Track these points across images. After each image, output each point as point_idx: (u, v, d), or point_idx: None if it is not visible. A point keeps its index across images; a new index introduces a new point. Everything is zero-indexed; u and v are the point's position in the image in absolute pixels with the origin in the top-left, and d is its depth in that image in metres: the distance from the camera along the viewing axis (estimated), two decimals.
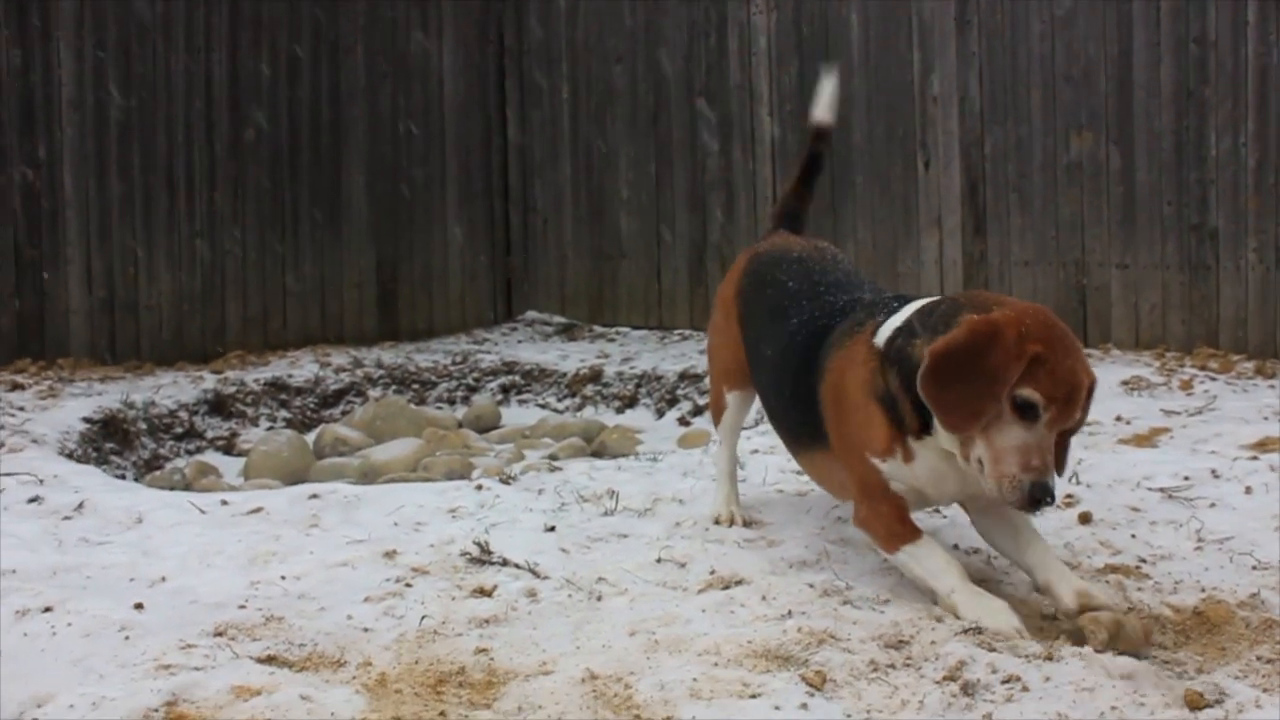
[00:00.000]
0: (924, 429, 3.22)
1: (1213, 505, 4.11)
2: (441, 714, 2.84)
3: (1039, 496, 3.00)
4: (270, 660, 3.16)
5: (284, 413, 7.68)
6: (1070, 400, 3.03)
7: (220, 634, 3.31)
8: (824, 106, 4.31)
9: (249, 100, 8.50)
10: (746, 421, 5.51)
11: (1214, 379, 6.44)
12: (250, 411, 7.60)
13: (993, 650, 2.99)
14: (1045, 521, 4.02)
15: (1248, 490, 4.24)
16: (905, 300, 3.43)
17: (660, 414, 7.74)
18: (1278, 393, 6.02)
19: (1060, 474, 3.19)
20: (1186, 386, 6.27)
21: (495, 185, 9.77)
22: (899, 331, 3.29)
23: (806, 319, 3.67)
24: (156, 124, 8.11)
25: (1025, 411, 3.01)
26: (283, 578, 3.75)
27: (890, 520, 3.37)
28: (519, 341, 9.14)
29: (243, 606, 3.51)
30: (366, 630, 3.34)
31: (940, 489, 3.35)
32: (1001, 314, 3.07)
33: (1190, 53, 7.05)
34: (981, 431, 3.05)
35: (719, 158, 8.84)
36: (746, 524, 4.12)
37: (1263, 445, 4.84)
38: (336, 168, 8.96)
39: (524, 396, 8.22)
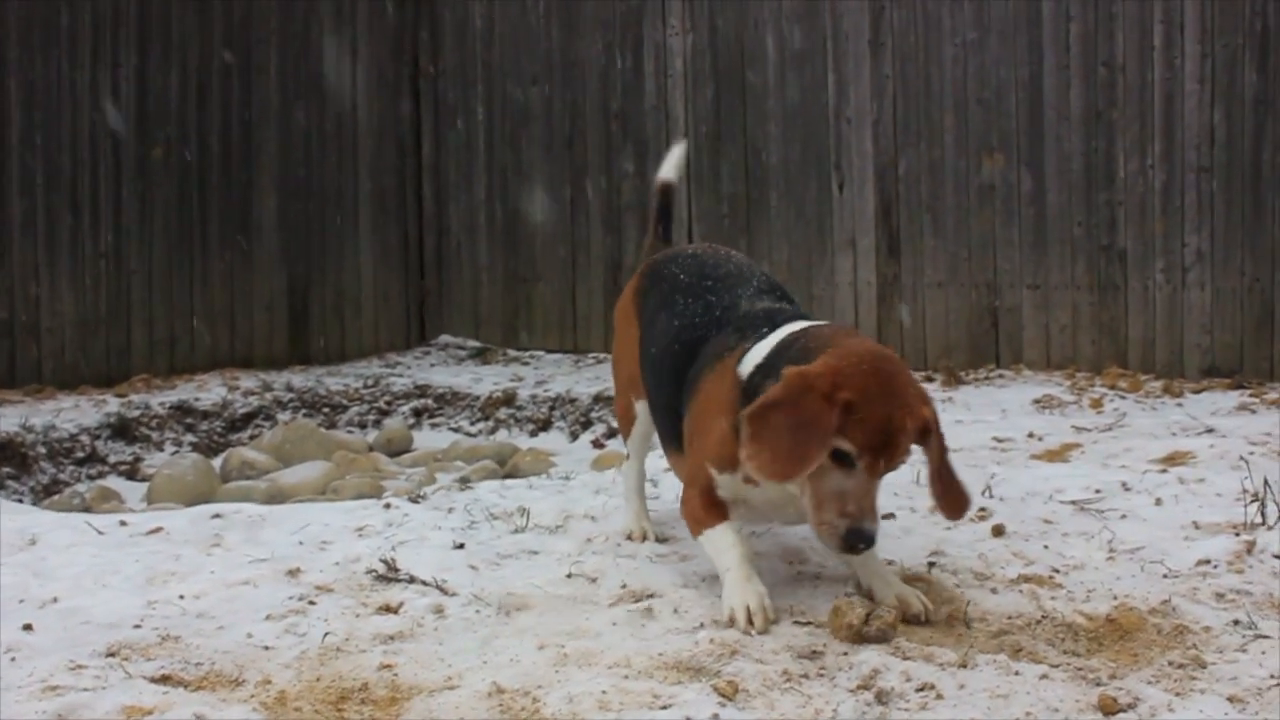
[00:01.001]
0: None
1: (1124, 516, 4.12)
2: None
3: (853, 542, 3.06)
4: (165, 680, 3.04)
5: (190, 437, 7.50)
6: (889, 445, 3.05)
7: (113, 654, 3.18)
8: (670, 168, 4.52)
9: (156, 118, 8.34)
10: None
11: (1123, 397, 6.50)
12: (155, 436, 7.42)
13: (907, 659, 2.96)
14: (959, 534, 4.02)
15: (1158, 502, 4.26)
16: (774, 323, 3.47)
17: (574, 437, 7.67)
18: (1185, 410, 6.08)
19: (951, 515, 3.28)
20: (1097, 405, 6.32)
21: (409, 207, 9.67)
22: (759, 369, 3.34)
23: (686, 322, 3.73)
24: (60, 140, 7.92)
25: (841, 459, 3.06)
26: (181, 597, 3.63)
27: (699, 506, 3.50)
28: (432, 365, 9.04)
29: (138, 626, 3.39)
30: (267, 648, 3.24)
31: (779, 515, 3.53)
32: (819, 364, 3.10)
33: (1099, 76, 7.15)
34: (808, 478, 3.10)
35: (634, 179, 8.81)
36: (659, 540, 4.07)
37: (1171, 459, 4.88)
38: (247, 188, 8.81)
39: (436, 420, 8.11)
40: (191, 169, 8.52)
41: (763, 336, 3.42)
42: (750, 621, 3.18)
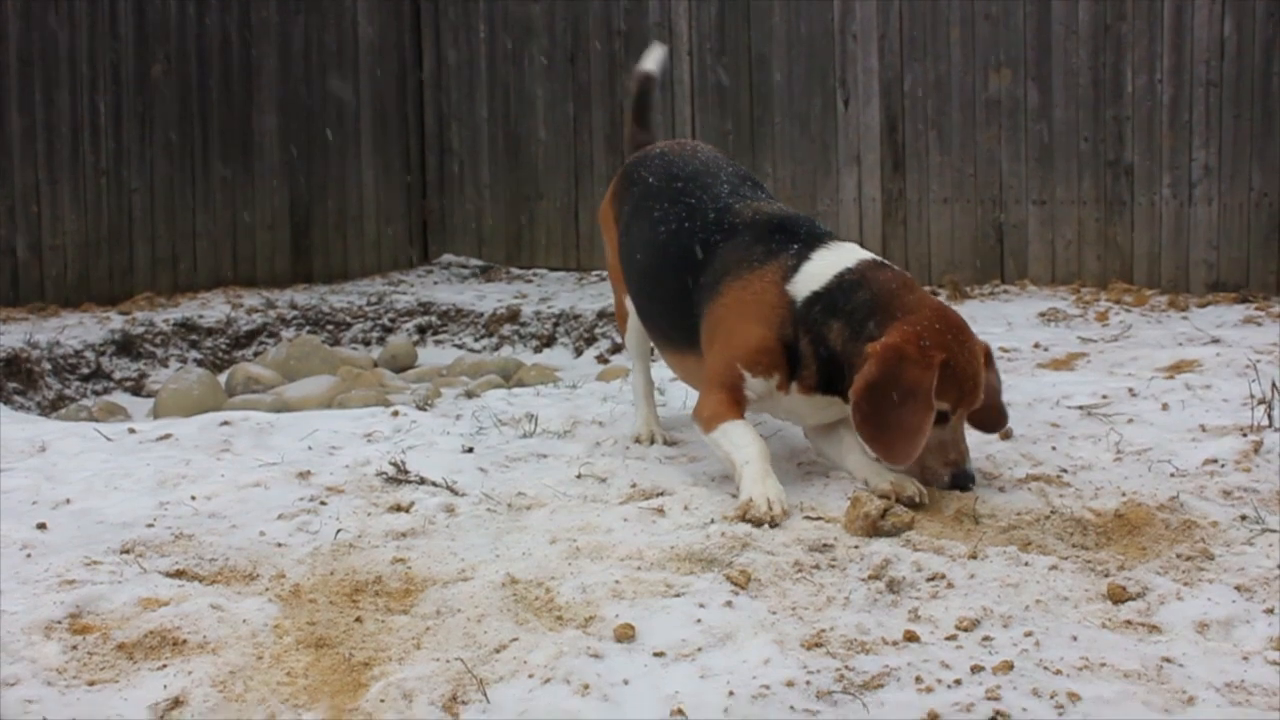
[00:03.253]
0: (815, 389, 3.50)
1: (1130, 421, 4.13)
2: (357, 619, 2.77)
3: (962, 483, 3.40)
4: (179, 574, 3.07)
5: (194, 354, 7.51)
6: (973, 393, 3.39)
7: (127, 551, 3.21)
8: (651, 60, 4.54)
9: (156, 36, 8.25)
10: None
11: (1129, 311, 6.50)
12: (159, 352, 7.43)
13: (918, 550, 2.98)
14: (968, 438, 4.03)
15: (1164, 407, 4.27)
16: (796, 234, 3.61)
17: (579, 352, 7.67)
18: (1191, 323, 6.08)
19: (1005, 435, 3.85)
20: (1102, 318, 6.32)
21: (411, 126, 9.60)
22: (818, 298, 3.48)
23: (674, 227, 3.82)
24: (59, 59, 7.85)
25: (936, 419, 3.32)
26: (193, 498, 3.66)
27: (720, 402, 3.55)
28: (435, 283, 9.02)
29: (151, 525, 3.42)
30: (280, 545, 3.26)
31: (798, 418, 3.71)
32: (901, 334, 3.30)
33: None
34: None
35: None
36: (668, 443, 4.08)
37: (1178, 367, 4.88)
38: (247, 106, 8.74)
39: (440, 337, 8.11)
40: (192, 86, 8.45)
41: (804, 257, 3.54)
42: (770, 509, 3.21)
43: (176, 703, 2.41)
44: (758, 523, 3.16)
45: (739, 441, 3.46)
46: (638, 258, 3.98)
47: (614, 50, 8.79)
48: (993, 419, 3.63)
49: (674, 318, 3.80)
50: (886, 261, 3.60)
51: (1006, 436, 4.01)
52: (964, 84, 7.53)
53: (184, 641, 2.64)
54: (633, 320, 4.20)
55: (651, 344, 4.21)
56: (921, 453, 3.30)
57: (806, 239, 3.60)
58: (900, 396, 3.23)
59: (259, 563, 3.14)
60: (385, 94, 9.44)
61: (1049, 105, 7.31)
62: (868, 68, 7.81)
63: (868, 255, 3.60)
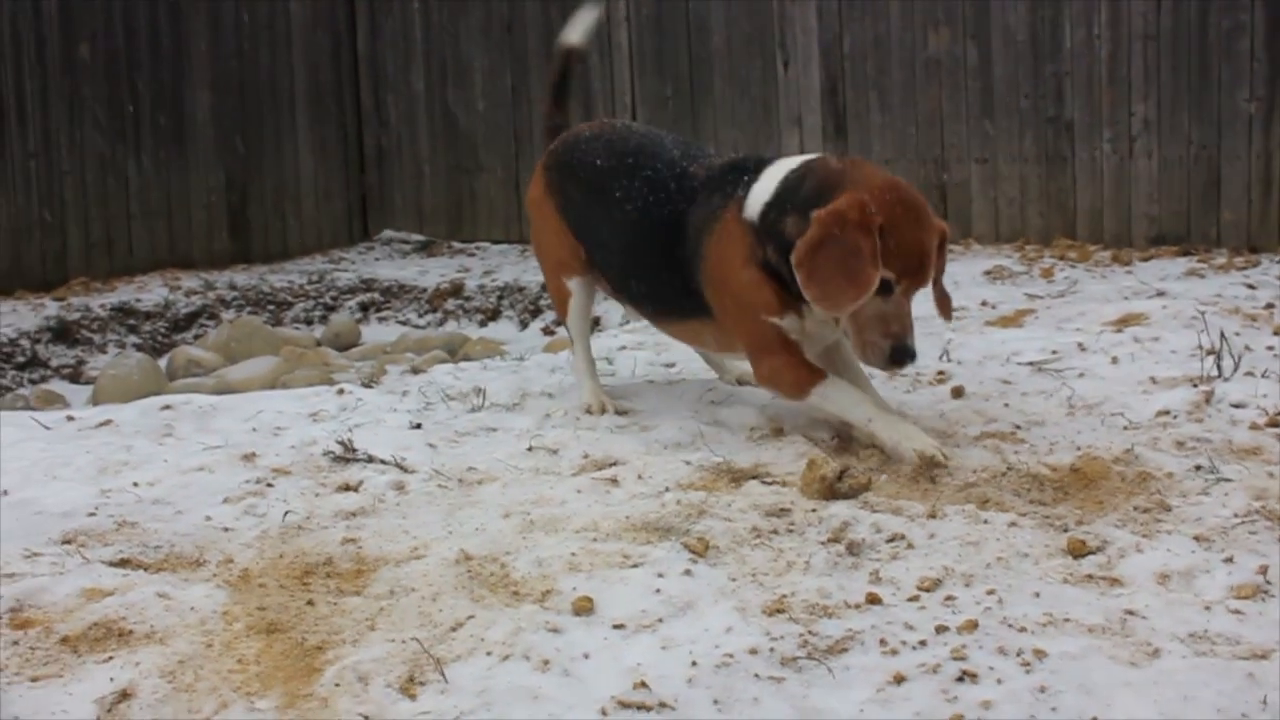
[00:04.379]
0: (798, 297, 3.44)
1: (1081, 375, 4.13)
2: (309, 602, 2.70)
3: (899, 358, 3.32)
4: (124, 563, 2.99)
5: (133, 338, 7.36)
6: (921, 266, 3.31)
7: (69, 541, 3.12)
8: (576, 30, 4.40)
9: (81, 14, 8.05)
10: (613, 321, 5.42)
11: (1073, 267, 6.51)
12: (97, 338, 7.28)
13: (876, 512, 2.95)
14: (920, 397, 4.02)
15: (1114, 360, 4.27)
16: (747, 169, 3.61)
17: (524, 325, 7.61)
18: (1135, 277, 6.10)
19: (948, 317, 3.64)
20: (1048, 274, 6.33)
21: (347, 101, 9.45)
22: (769, 207, 3.48)
23: (642, 203, 3.79)
24: None
25: (880, 288, 3.26)
26: (135, 485, 3.56)
27: (795, 368, 3.53)
28: (377, 260, 8.91)
29: (92, 514, 3.32)
30: (227, 530, 3.19)
31: (822, 333, 3.59)
32: (845, 199, 3.28)
33: None
34: None
35: (576, 65, 8.63)
36: (618, 412, 4.03)
37: (1125, 321, 4.88)
38: (179, 84, 8.56)
39: (384, 314, 8.01)
40: (121, 65, 8.26)
41: (751, 181, 3.53)
42: (937, 455, 3.24)
43: (124, 695, 2.34)
44: (934, 464, 3.22)
45: (846, 404, 3.47)
46: (611, 242, 3.94)
47: (551, 17, 8.68)
48: (945, 304, 3.60)
49: (670, 290, 3.78)
50: (858, 160, 3.59)
51: (958, 394, 3.99)
52: (903, 43, 7.50)
53: (130, 632, 2.57)
54: (575, 302, 4.16)
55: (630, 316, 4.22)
56: (862, 323, 3.28)
57: (754, 167, 3.61)
58: (841, 252, 3.21)
59: (205, 548, 3.06)
60: (319, 67, 9.28)
61: (988, 63, 7.30)
62: (807, 29, 7.77)
63: (818, 155, 3.65)
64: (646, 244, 3.78)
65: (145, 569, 2.96)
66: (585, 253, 4.07)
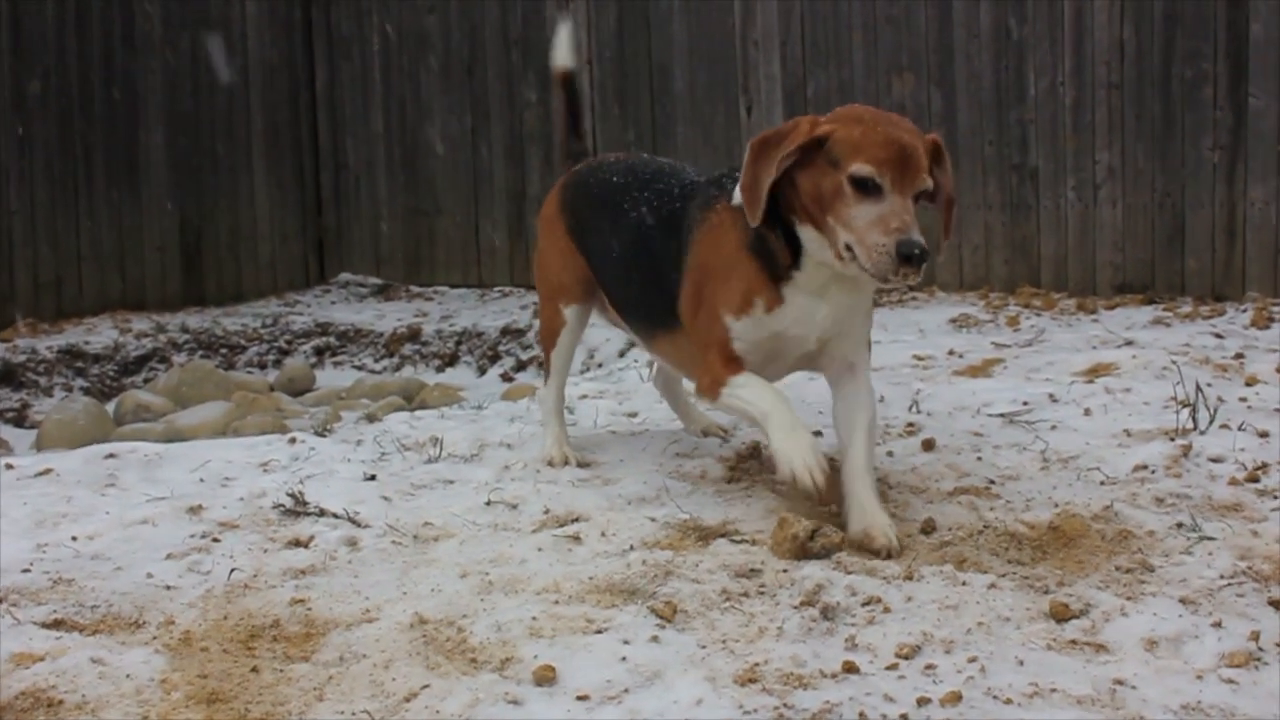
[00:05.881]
0: (794, 261, 3.25)
1: (1054, 427, 4.03)
2: (254, 669, 2.55)
3: (907, 253, 2.97)
4: (57, 625, 2.83)
5: (81, 381, 7.19)
6: (904, 160, 3.06)
7: (0, 600, 2.95)
8: (564, 53, 4.28)
9: (34, 50, 7.90)
10: (572, 369, 5.29)
11: (1039, 315, 6.45)
12: (43, 381, 7.10)
13: (850, 573, 2.83)
14: (890, 448, 3.91)
15: (1087, 412, 4.18)
16: (732, 172, 3.48)
17: (482, 371, 7.48)
18: (1102, 325, 6.04)
19: (947, 236, 3.34)
20: (1013, 323, 6.26)
21: (304, 142, 9.32)
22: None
23: (647, 209, 3.66)
24: None
25: (862, 185, 3.05)
26: (74, 539, 3.40)
27: (717, 368, 3.33)
28: (333, 303, 8.76)
29: (26, 570, 3.16)
30: (169, 588, 3.03)
31: (807, 328, 3.31)
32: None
33: None
34: (840, 222, 3.08)
35: (537, 108, 8.57)
36: (580, 464, 3.90)
37: (1095, 371, 4.80)
38: (133, 123, 8.41)
39: (339, 358, 7.86)
40: (73, 103, 8.10)
41: (737, 178, 3.35)
42: (812, 478, 3.04)
43: None
44: (803, 491, 3.08)
45: (751, 395, 3.26)
46: (613, 249, 3.81)
47: (512, 61, 8.61)
48: (944, 224, 3.34)
49: (661, 293, 3.60)
50: None
51: (929, 447, 3.89)
52: (867, 89, 7.45)
53: (60, 702, 2.41)
54: (565, 335, 4.01)
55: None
56: (861, 231, 3.02)
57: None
58: (774, 145, 3.12)
59: (145, 608, 2.90)
60: (277, 107, 9.15)
61: (953, 109, 7.26)
62: (770, 74, 7.72)
63: None
64: (645, 243, 3.65)
65: (80, 630, 2.80)
66: (587, 272, 3.93)
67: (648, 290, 3.65)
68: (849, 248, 3.08)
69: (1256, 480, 3.42)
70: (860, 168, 3.03)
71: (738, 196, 3.29)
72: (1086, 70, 6.92)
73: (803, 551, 2.95)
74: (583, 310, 4.01)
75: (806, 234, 3.20)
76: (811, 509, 3.25)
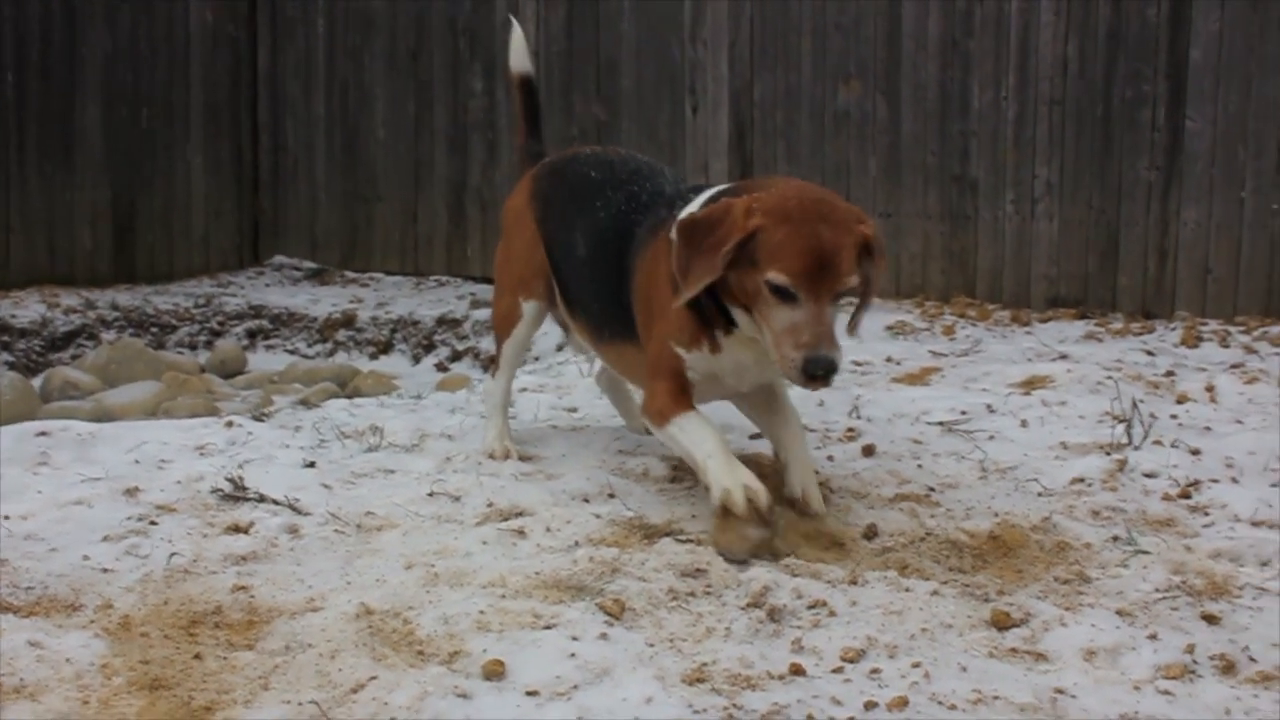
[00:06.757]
0: (727, 329, 3.25)
1: (992, 437, 4.09)
2: (196, 656, 2.52)
3: (812, 371, 2.97)
4: None
5: (6, 356, 7.04)
6: (823, 268, 2.98)
7: None
8: (520, 57, 4.28)
9: None
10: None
11: (974, 325, 6.52)
12: None
13: (796, 576, 2.86)
14: (830, 452, 3.94)
15: (1024, 423, 4.24)
16: (700, 189, 3.46)
17: (417, 359, 7.43)
18: (1036, 338, 6.12)
19: (852, 333, 3.35)
20: (949, 332, 6.33)
21: (243, 121, 9.19)
22: None
23: (615, 212, 3.63)
24: None
25: (779, 292, 3.00)
26: (6, 518, 3.34)
27: (666, 395, 3.32)
28: (267, 286, 8.66)
29: None
30: (106, 571, 2.99)
31: (741, 378, 3.38)
32: (747, 196, 3.12)
33: (957, 4, 7.11)
34: (762, 319, 3.06)
35: (482, 98, 8.52)
36: (522, 458, 3.89)
37: (1031, 383, 4.87)
38: (69, 96, 8.25)
39: (272, 342, 7.77)
40: (6, 73, 7.94)
41: (689, 202, 3.36)
42: (752, 502, 3.03)
43: None
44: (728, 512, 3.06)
45: (695, 436, 3.25)
46: (578, 249, 3.76)
47: (459, 48, 8.56)
48: (851, 321, 3.38)
49: (615, 304, 3.60)
50: (801, 181, 3.34)
51: (869, 452, 3.93)
52: (813, 95, 7.49)
53: None
54: (520, 329, 3.99)
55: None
56: (775, 338, 3.00)
57: (701, 190, 3.46)
58: (705, 238, 3.05)
59: (82, 591, 2.86)
60: (217, 85, 9.01)
61: (897, 118, 7.32)
62: (717, 75, 7.74)
63: (777, 177, 3.50)
64: (606, 247, 3.62)
65: (15, 613, 2.76)
66: (549, 268, 3.89)
67: (602, 295, 3.64)
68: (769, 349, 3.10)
69: (1189, 496, 3.49)
70: (776, 276, 2.98)
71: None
72: (1030, 86, 7.00)
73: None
74: (541, 307, 3.99)
75: (738, 313, 3.20)
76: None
